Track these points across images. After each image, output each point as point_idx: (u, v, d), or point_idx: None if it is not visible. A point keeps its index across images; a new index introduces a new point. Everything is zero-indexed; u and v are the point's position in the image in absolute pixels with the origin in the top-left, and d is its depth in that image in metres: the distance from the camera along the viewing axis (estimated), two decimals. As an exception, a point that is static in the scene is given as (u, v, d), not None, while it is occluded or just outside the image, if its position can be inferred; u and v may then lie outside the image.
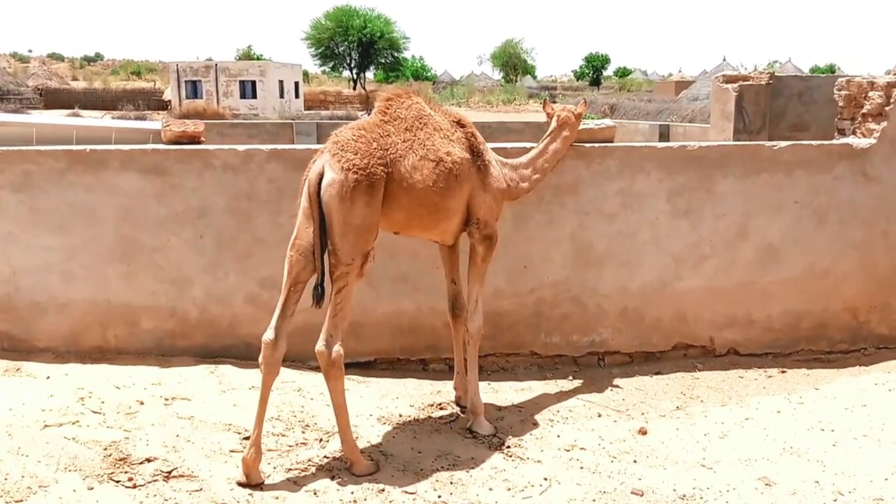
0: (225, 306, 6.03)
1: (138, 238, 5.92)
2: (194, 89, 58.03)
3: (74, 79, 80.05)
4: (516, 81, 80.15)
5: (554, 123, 5.86)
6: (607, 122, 6.55)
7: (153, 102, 57.37)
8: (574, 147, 6.26)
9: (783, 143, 6.57)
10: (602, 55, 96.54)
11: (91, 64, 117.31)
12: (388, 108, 4.99)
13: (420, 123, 4.95)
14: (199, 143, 6.09)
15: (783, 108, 8.95)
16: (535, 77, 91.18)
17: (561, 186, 6.28)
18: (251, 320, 5.96)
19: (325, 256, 4.54)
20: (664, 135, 13.91)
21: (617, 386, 6.18)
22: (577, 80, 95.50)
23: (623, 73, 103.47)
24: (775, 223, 6.58)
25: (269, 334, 4.53)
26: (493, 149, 5.55)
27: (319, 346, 4.50)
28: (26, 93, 54.37)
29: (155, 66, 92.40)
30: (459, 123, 5.25)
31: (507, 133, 16.00)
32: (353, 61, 76.17)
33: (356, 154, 4.57)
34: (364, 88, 70.80)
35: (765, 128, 8.63)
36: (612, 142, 6.51)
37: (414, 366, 6.35)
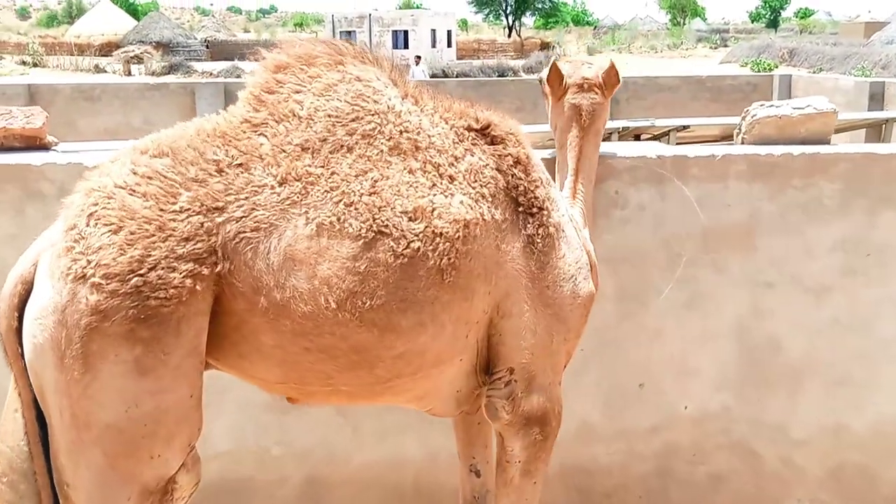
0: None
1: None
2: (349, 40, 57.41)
3: (247, 31, 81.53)
4: (684, 25, 74.20)
5: (563, 115, 2.78)
6: (818, 102, 3.29)
7: (313, 55, 57.30)
8: (745, 158, 3.11)
9: None
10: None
11: (266, 16, 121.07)
12: (270, 91, 2.15)
13: (354, 133, 2.12)
14: (43, 148, 3.34)
15: None
16: (704, 19, 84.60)
17: (715, 232, 3.15)
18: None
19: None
20: (877, 97, 10.07)
21: None
22: (753, 23, 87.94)
23: (805, 13, 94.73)
24: None
25: None
26: None
27: None
28: (194, 45, 55.23)
29: (321, 18, 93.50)
30: (484, 132, 2.31)
31: (659, 92, 12.51)
32: (508, 7, 72.80)
33: (118, 231, 1.84)
34: (519, 35, 67.40)
35: None
36: (826, 141, 3.28)
37: (424, 560, 3.45)
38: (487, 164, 2.23)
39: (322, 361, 2.01)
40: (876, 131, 9.14)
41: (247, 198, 1.94)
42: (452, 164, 2.18)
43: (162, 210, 1.87)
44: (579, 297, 2.33)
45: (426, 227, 2.04)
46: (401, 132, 2.15)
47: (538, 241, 2.24)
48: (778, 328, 3.24)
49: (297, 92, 2.12)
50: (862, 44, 42.69)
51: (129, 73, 38.78)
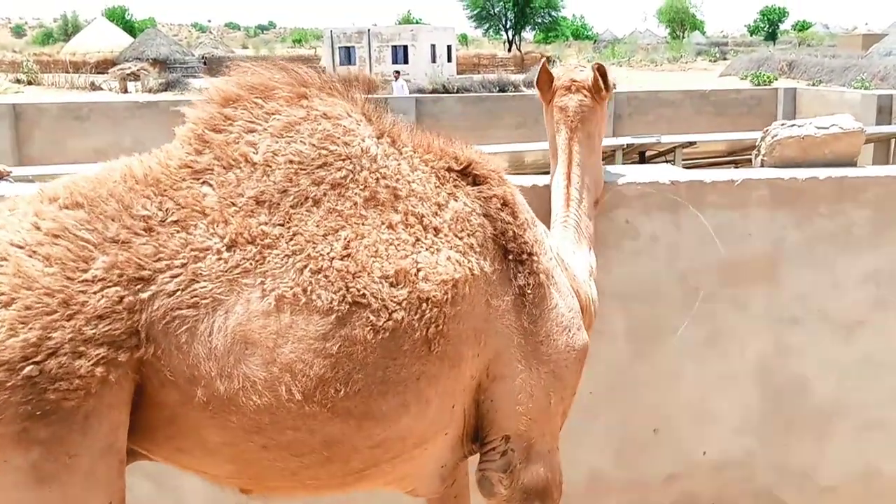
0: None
1: None
2: (348, 55, 57.38)
3: (245, 47, 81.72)
4: (683, 38, 74.24)
5: (556, 123, 2.56)
6: (843, 121, 3.04)
7: (311, 70, 57.20)
8: (767, 183, 2.85)
9: None
10: (779, 8, 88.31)
11: (264, 32, 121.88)
12: (217, 129, 1.79)
13: (321, 183, 1.78)
14: (-4, 178, 3.07)
15: None
16: (703, 33, 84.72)
17: (735, 264, 2.89)
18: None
19: None
20: (884, 110, 9.82)
21: None
22: (751, 36, 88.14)
23: (802, 26, 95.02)
24: None
25: None
26: None
27: None
28: (191, 61, 55.22)
29: (320, 34, 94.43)
30: (465, 172, 2.00)
31: (661, 106, 12.27)
32: (508, 22, 72.86)
33: (9, 304, 1.50)
34: (519, 49, 67.39)
35: None
36: (853, 163, 3.03)
37: None
38: (473, 210, 1.93)
39: (285, 459, 1.70)
40: (884, 146, 8.89)
41: (184, 265, 1.60)
42: (437, 214, 1.87)
43: (69, 279, 1.52)
44: (575, 349, 2.06)
45: (410, 292, 1.72)
46: (377, 179, 1.82)
47: (529, 291, 1.95)
48: (804, 367, 2.98)
49: (251, 131, 1.78)
50: (860, 56, 42.70)
51: (126, 91, 38.72)
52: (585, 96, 2.51)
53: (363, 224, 1.75)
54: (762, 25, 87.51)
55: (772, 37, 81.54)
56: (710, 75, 46.84)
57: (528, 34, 79.74)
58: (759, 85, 33.14)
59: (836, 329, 2.95)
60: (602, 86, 2.50)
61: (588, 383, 2.93)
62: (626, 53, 63.51)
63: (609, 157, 7.65)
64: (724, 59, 58.05)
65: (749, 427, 3.03)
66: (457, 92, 32.87)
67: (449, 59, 58.73)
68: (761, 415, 3.01)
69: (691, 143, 7.79)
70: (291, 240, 1.68)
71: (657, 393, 2.99)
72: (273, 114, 1.80)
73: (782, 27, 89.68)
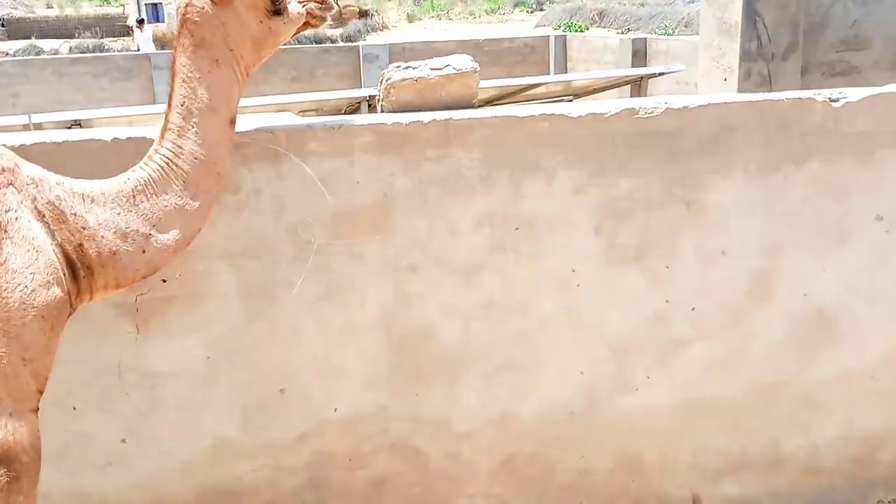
0: None
1: None
2: (155, 12, 54.83)
3: (49, 7, 76.24)
4: (502, -10, 75.22)
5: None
6: (458, 62, 2.99)
7: (117, 28, 53.98)
8: (371, 129, 2.75)
9: (855, 93, 3.02)
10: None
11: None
12: None
13: None
14: None
15: (826, 11, 5.19)
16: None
17: (346, 214, 2.78)
18: None
19: None
20: (639, 53, 10.20)
21: None
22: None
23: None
24: (831, 264, 3.13)
25: None
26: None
27: None
28: (-15, 24, 50.95)
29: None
30: None
31: (437, 57, 12.25)
32: (327, -27, 71.49)
33: None
34: (337, 4, 66.23)
35: (796, 48, 4.99)
36: (471, 105, 2.98)
37: None
38: None
39: None
40: (637, 87, 9.27)
41: None
42: None
43: None
44: (33, 307, 1.87)
45: None
46: None
47: None
48: (428, 315, 2.93)
49: None
50: (667, 3, 44.49)
51: None
52: None
53: None
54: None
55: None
56: (526, 26, 47.66)
57: (350, -14, 78.52)
58: (575, 32, 34.04)
59: (455, 274, 2.91)
60: None
61: (204, 349, 2.80)
62: (446, 6, 63.70)
63: (356, 108, 7.53)
64: (541, 9, 59.21)
65: (378, 379, 2.96)
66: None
67: (266, 15, 57.30)
68: (389, 366, 2.95)
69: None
70: None
71: (280, 352, 2.86)
72: None
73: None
